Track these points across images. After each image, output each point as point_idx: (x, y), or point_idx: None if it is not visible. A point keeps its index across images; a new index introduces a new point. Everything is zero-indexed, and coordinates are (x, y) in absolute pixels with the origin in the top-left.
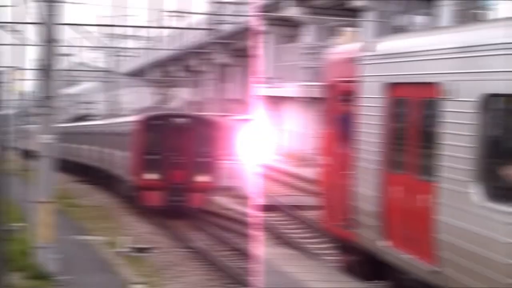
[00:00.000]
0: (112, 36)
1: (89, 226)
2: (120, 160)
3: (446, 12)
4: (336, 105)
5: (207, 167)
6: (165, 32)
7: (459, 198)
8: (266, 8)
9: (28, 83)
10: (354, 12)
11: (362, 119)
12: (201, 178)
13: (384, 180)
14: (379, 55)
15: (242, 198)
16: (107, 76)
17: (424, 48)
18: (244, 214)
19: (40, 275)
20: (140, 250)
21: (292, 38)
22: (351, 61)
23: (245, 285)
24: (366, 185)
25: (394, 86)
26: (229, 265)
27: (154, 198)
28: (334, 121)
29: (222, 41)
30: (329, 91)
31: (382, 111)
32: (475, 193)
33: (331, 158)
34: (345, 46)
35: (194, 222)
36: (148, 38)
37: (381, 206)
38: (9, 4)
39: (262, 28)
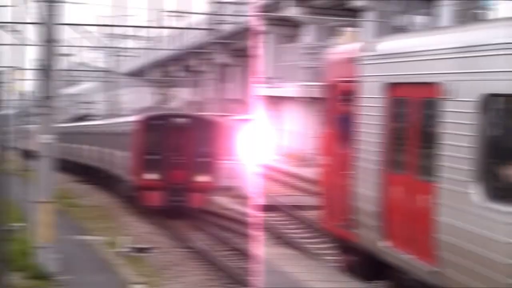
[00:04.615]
0: (112, 36)
1: (89, 226)
2: (120, 160)
3: (446, 12)
4: (336, 105)
5: (207, 167)
6: (165, 32)
7: (459, 199)
8: (266, 8)
9: (28, 83)
10: (354, 12)
11: (362, 119)
12: (201, 178)
13: (384, 180)
14: (379, 55)
15: (242, 198)
16: (107, 76)
17: (424, 48)
18: (244, 214)
19: (41, 275)
20: (140, 250)
21: (292, 38)
22: (351, 61)
23: (245, 285)
24: (366, 185)
25: (394, 86)
26: (229, 265)
27: (154, 198)
28: (334, 121)
29: (222, 41)
30: (329, 91)
31: (382, 111)
32: (475, 193)
33: (331, 158)
34: (345, 46)
35: (194, 222)
36: (148, 38)
37: (381, 206)
38: (9, 4)
39: (262, 28)
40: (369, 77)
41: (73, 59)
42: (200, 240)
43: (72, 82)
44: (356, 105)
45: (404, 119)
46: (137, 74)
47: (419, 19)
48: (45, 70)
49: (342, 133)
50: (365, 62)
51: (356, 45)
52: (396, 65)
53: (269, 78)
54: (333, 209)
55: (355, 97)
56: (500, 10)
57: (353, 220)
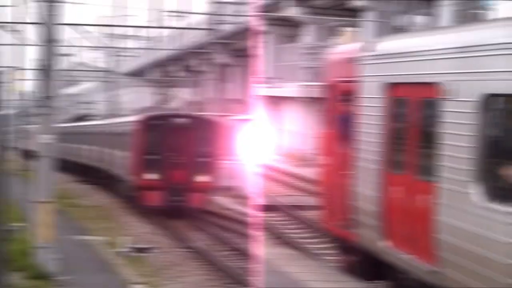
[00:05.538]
0: (112, 36)
1: (89, 226)
2: (120, 160)
3: (446, 12)
4: (336, 105)
5: (207, 167)
6: (165, 32)
7: (459, 198)
8: (266, 8)
9: (28, 83)
10: (354, 12)
11: (362, 119)
12: (201, 178)
13: (384, 180)
14: (379, 55)
15: (242, 198)
16: (107, 76)
17: (424, 48)
18: (244, 214)
19: (40, 275)
20: (140, 250)
21: (292, 38)
22: (351, 61)
23: (245, 285)
24: (366, 185)
25: (394, 86)
26: (229, 265)
27: (154, 198)
28: (334, 121)
29: (222, 41)
30: (329, 91)
31: (382, 111)
32: (475, 193)
33: (331, 158)
34: (345, 46)
35: (194, 222)
36: (148, 38)
37: (381, 206)
38: (9, 4)
39: (262, 28)
40: (369, 77)
41: (73, 59)
42: (200, 240)
43: (72, 82)
44: (356, 105)
45: (404, 119)
46: (137, 74)
47: (419, 19)
48: (45, 70)
49: (342, 133)
50: (365, 62)
51: (356, 45)
52: (396, 65)
53: (269, 78)
54: (333, 208)
55: (355, 97)
56: (500, 10)
57: (353, 220)
